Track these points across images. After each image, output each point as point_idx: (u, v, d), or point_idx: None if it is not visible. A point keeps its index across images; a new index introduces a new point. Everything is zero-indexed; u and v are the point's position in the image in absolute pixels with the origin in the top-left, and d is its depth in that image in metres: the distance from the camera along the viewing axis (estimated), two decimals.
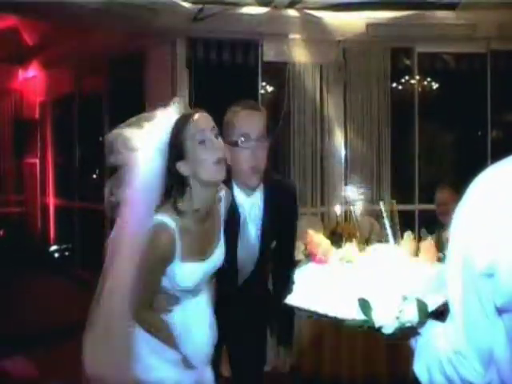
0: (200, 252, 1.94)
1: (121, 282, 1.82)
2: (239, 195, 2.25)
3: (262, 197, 2.29)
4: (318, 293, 1.44)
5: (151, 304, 1.93)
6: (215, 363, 2.24)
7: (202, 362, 2.02)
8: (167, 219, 1.83)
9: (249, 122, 2.18)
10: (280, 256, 2.42)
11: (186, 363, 1.96)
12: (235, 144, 2.16)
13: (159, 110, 1.90)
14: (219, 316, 2.11)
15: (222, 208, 2.08)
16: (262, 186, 2.28)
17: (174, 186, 1.88)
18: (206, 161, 1.85)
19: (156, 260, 1.85)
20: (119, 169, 1.88)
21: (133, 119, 1.92)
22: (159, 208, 1.85)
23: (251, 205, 2.27)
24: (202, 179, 1.87)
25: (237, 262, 2.30)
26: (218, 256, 2.01)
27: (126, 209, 1.82)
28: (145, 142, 1.86)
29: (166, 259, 1.86)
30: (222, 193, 2.08)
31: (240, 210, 2.25)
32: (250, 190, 2.25)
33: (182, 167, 1.86)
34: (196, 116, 1.87)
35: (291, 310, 1.55)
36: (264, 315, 2.50)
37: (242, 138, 2.15)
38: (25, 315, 5.31)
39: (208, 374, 2.06)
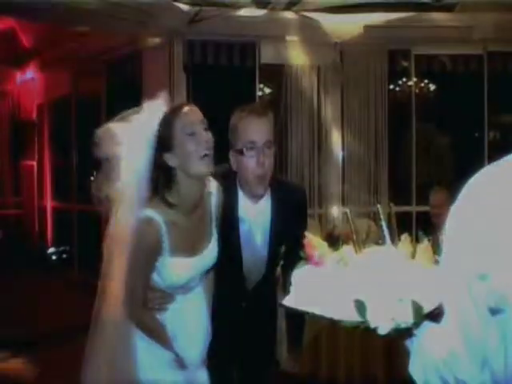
0: (190, 247, 1.91)
1: (117, 281, 1.82)
2: (245, 202, 2.19)
3: (269, 202, 2.21)
4: (315, 294, 1.45)
5: (145, 302, 1.90)
6: (229, 369, 2.24)
7: (195, 362, 2.00)
8: (153, 213, 1.81)
9: (254, 129, 2.08)
10: (292, 256, 2.34)
11: (179, 363, 1.95)
12: (240, 152, 2.09)
13: (146, 104, 1.89)
14: (229, 319, 2.10)
15: (213, 203, 2.04)
16: (268, 192, 2.21)
17: (160, 178, 1.86)
18: (193, 154, 1.84)
19: (144, 255, 1.83)
20: (106, 163, 1.88)
21: (122, 115, 1.91)
22: (146, 202, 1.83)
23: (257, 212, 2.20)
24: (189, 172, 1.87)
25: (243, 268, 2.25)
26: (210, 252, 1.98)
27: (115, 205, 1.82)
28: (132, 136, 1.85)
29: (154, 254, 1.84)
30: (213, 187, 2.05)
31: (244, 216, 2.19)
32: (256, 197, 2.19)
33: (170, 159, 1.85)
34: (185, 109, 1.88)
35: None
36: (273, 318, 2.47)
37: (248, 145, 2.07)
38: (23, 317, 5.30)
39: (202, 374, 2.05)
